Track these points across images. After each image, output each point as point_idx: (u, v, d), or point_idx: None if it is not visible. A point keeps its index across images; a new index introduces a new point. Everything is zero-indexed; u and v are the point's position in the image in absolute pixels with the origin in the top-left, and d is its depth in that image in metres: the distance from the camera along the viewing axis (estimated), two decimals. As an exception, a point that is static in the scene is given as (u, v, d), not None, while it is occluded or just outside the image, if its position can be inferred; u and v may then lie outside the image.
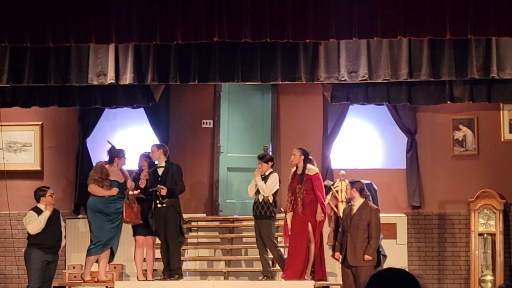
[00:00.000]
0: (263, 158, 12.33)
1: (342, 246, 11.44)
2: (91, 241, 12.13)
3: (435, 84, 12.27)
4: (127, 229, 12.45)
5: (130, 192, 12.34)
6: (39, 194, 11.99)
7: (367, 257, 11.24)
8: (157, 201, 12.17)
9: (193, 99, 13.94)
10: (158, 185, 12.12)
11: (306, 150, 12.10)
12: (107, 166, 12.27)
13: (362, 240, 11.31)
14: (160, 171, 12.35)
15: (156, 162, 12.47)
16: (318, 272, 11.89)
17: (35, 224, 11.76)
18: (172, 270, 12.17)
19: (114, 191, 12.12)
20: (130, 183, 12.33)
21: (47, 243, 11.77)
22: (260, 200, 12.16)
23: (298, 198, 11.84)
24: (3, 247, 13.74)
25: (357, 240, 11.31)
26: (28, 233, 11.91)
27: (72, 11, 10.33)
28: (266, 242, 12.11)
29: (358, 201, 11.49)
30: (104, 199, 12.11)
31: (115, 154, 12.32)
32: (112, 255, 12.22)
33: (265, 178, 12.22)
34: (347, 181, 11.91)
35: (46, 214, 11.80)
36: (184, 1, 10.30)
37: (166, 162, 12.40)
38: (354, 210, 11.44)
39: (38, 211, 11.89)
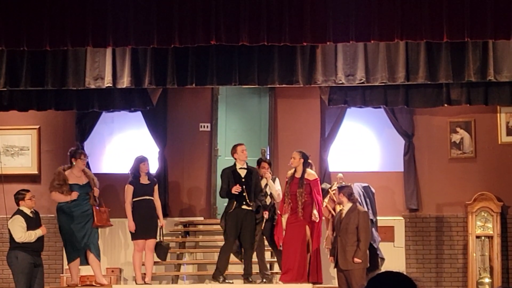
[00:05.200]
0: (270, 164, 12.47)
1: (335, 250, 11.48)
2: (65, 247, 12.07)
3: (432, 87, 12.29)
4: (125, 232, 12.41)
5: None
6: (18, 197, 11.75)
7: (356, 260, 11.21)
8: (244, 203, 12.05)
9: (190, 103, 13.93)
10: (263, 211, 12.05)
11: (306, 153, 12.07)
12: (67, 170, 12.16)
13: (351, 244, 11.31)
14: (242, 172, 12.14)
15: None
16: (313, 275, 11.89)
17: (26, 236, 11.46)
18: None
19: (74, 195, 11.99)
20: (94, 185, 12.19)
21: (33, 245, 11.53)
22: (273, 204, 12.27)
23: (299, 201, 11.84)
24: (0, 251, 13.70)
25: (346, 244, 11.32)
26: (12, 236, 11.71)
27: (69, 15, 10.34)
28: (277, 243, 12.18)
29: (347, 206, 11.51)
30: (67, 204, 12.01)
31: (72, 155, 12.22)
32: (98, 256, 12.07)
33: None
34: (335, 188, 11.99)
35: (39, 232, 11.59)
36: (181, 4, 10.31)
37: (247, 164, 12.25)
38: (343, 215, 11.48)
39: (25, 215, 11.56)
